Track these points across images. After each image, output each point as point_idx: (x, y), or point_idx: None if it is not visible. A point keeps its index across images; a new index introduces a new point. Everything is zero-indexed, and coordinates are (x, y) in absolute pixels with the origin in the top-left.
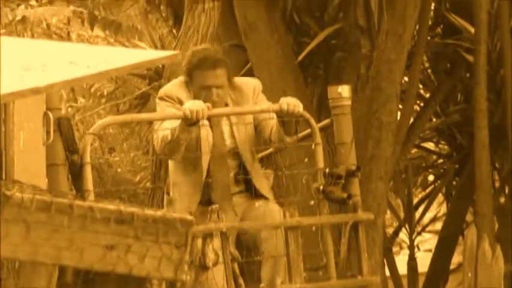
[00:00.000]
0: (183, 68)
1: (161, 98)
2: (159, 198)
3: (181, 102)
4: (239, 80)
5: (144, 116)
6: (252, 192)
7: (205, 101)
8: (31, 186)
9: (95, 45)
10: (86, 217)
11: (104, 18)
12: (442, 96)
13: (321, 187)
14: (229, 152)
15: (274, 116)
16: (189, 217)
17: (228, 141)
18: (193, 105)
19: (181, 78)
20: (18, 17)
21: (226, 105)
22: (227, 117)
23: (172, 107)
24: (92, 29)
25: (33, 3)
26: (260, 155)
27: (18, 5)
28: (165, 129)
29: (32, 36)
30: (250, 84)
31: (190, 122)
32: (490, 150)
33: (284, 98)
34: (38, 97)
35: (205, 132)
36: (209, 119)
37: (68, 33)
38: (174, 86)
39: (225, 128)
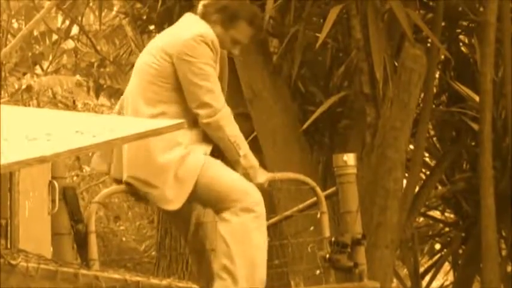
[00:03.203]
0: (227, 8)
1: (207, 44)
2: (165, 267)
3: (217, 54)
4: None
5: None
6: None
7: (227, 52)
8: (36, 256)
9: (101, 114)
10: (91, 286)
11: (110, 87)
12: (447, 164)
13: (327, 256)
14: None
15: None
16: (195, 286)
17: None
18: (263, 178)
19: (206, 24)
20: (24, 86)
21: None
22: None
23: (214, 69)
24: (97, 97)
25: (39, 72)
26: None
27: (24, 74)
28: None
29: (38, 104)
30: None
31: None
32: (496, 219)
33: None
34: (44, 166)
35: None
36: None
37: (74, 102)
38: (211, 32)
39: None
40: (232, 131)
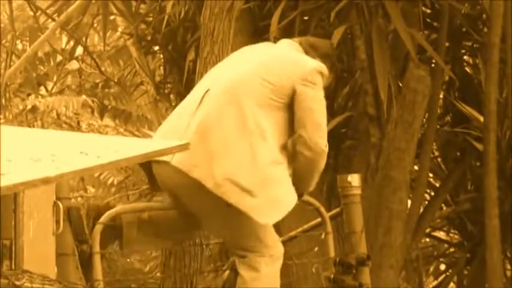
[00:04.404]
0: (329, 58)
1: (322, 78)
2: None
3: None
4: None
5: (156, 204)
6: None
7: None
8: (40, 276)
9: (105, 135)
10: None
11: (114, 108)
12: (452, 184)
13: (332, 276)
14: None
15: None
16: None
17: None
18: None
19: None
20: (29, 107)
21: None
22: None
23: None
24: (101, 118)
25: (44, 93)
26: None
27: (29, 95)
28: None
29: (42, 125)
30: None
31: None
32: (501, 239)
33: None
34: (48, 187)
35: None
36: None
37: (78, 123)
38: None
39: None
40: None
